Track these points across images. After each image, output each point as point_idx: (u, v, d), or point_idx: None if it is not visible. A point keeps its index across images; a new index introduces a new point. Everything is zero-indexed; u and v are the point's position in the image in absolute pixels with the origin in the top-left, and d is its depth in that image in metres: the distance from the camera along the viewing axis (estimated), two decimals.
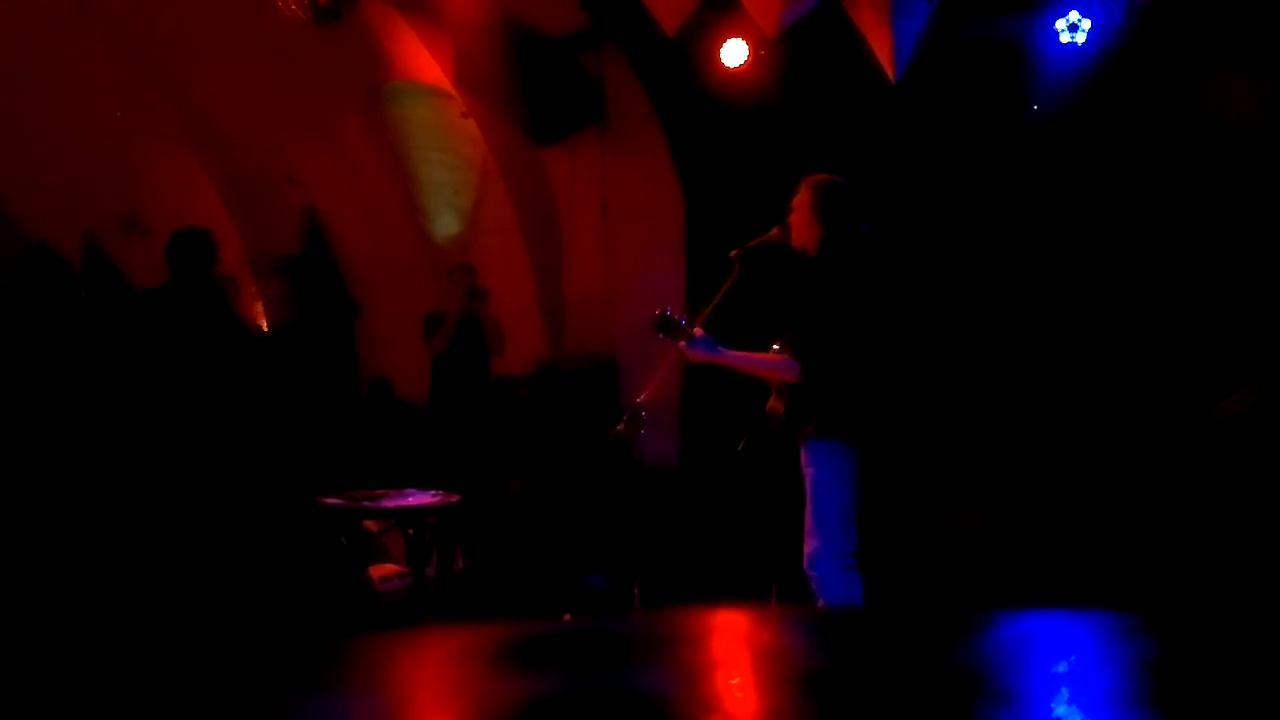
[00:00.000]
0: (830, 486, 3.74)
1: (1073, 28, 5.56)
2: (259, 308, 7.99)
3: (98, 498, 3.94)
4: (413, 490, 5.21)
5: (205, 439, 5.41)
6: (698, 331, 3.88)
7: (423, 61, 7.39)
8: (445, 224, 8.25)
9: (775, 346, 3.94)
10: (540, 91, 6.93)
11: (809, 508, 3.77)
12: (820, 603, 3.73)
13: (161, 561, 4.35)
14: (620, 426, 4.05)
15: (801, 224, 3.90)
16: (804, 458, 3.81)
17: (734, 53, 6.22)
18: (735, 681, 1.30)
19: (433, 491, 5.19)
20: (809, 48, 6.19)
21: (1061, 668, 1.32)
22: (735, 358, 3.90)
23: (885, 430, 3.81)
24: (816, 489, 3.76)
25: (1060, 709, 1.14)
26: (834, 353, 3.77)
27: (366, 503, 5.04)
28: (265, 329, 6.42)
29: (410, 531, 5.11)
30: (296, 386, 6.28)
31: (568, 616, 4.84)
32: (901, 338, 4.02)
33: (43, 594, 3.62)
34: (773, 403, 3.95)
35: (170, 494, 4.76)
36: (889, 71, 5.87)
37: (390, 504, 5.04)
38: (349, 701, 1.21)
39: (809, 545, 3.76)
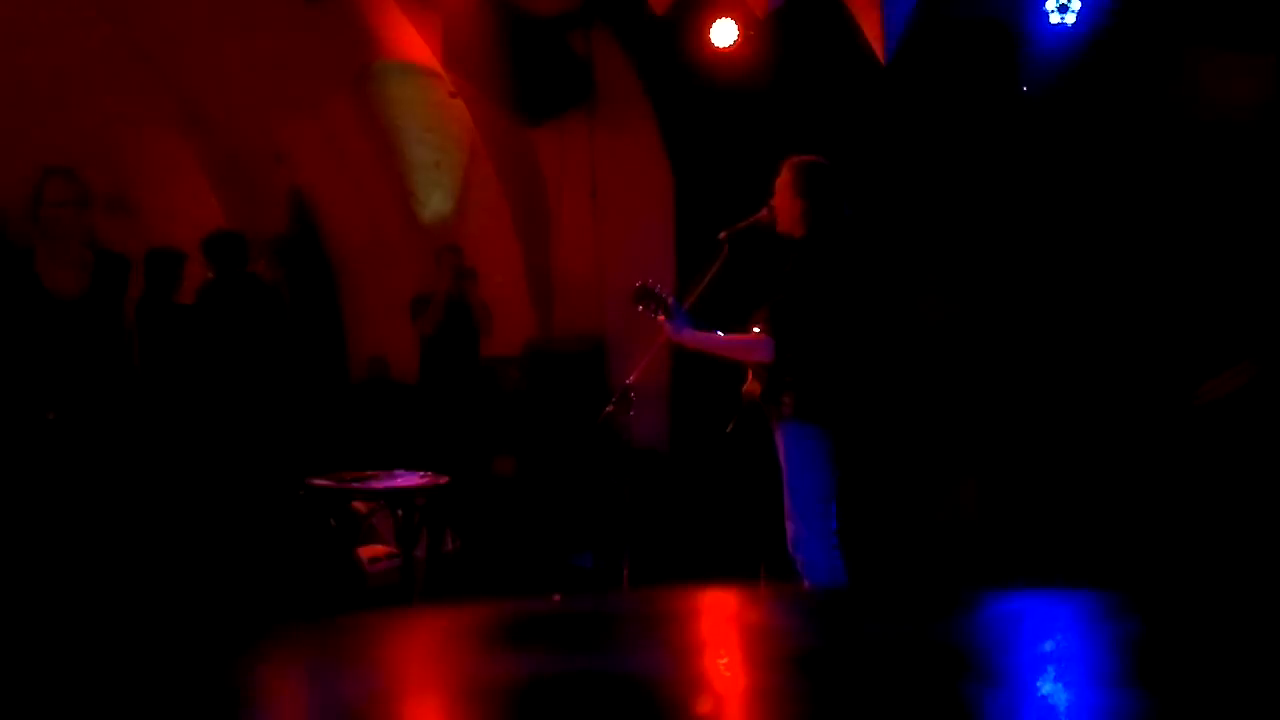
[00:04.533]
0: (805, 468, 3.74)
1: (1063, 8, 5.55)
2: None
3: (87, 480, 3.93)
4: (401, 471, 5.21)
5: (199, 422, 5.43)
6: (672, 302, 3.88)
7: (411, 41, 7.34)
8: (433, 204, 8.22)
9: (756, 330, 3.94)
10: (529, 71, 6.90)
11: (786, 490, 3.78)
12: (806, 584, 3.74)
13: (151, 543, 4.35)
14: (610, 408, 4.06)
15: (784, 205, 3.89)
16: (778, 439, 3.81)
17: (723, 33, 6.20)
18: (724, 661, 1.30)
19: (421, 473, 5.19)
20: (798, 28, 6.17)
21: (1048, 646, 1.33)
22: (708, 340, 3.90)
23: (859, 412, 3.82)
24: (791, 471, 3.76)
25: (1046, 687, 1.15)
26: (809, 333, 3.77)
27: (355, 484, 5.03)
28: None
29: (399, 513, 5.11)
30: (285, 368, 6.28)
31: (557, 597, 4.84)
32: (880, 319, 4.02)
33: (29, 577, 3.62)
34: (749, 385, 3.95)
35: (161, 476, 4.75)
36: (879, 52, 5.85)
37: (379, 485, 5.04)
38: (338, 682, 1.22)
39: (790, 528, 3.77)
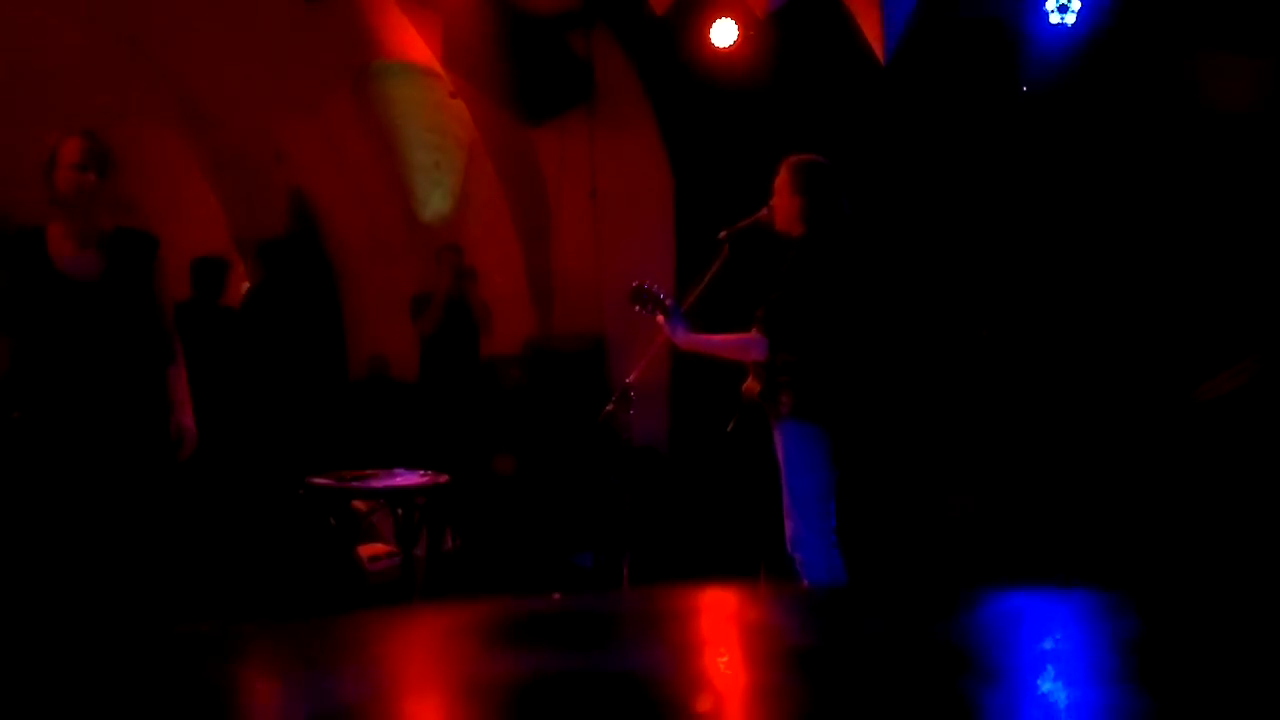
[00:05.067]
0: (803, 468, 3.73)
1: (1062, 8, 5.56)
2: (245, 288, 7.97)
3: (87, 478, 3.92)
4: (401, 470, 5.21)
5: (221, 422, 5.45)
6: (668, 302, 3.89)
7: (411, 41, 7.34)
8: (433, 204, 8.22)
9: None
10: (529, 71, 6.90)
11: (784, 489, 3.78)
12: (805, 583, 3.74)
13: (152, 542, 4.35)
14: (609, 406, 4.06)
15: (783, 204, 3.90)
16: (776, 439, 3.81)
17: (723, 33, 6.20)
18: (724, 659, 1.30)
19: (421, 471, 5.20)
20: (798, 28, 6.18)
21: (1047, 645, 1.34)
22: (702, 341, 3.91)
23: (857, 411, 3.81)
24: (790, 470, 3.76)
25: (1045, 685, 1.15)
26: (806, 331, 3.77)
27: (355, 483, 5.04)
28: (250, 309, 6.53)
29: (399, 511, 5.11)
30: (284, 367, 6.30)
31: (557, 596, 4.85)
32: (879, 318, 4.02)
33: (25, 579, 3.60)
34: (748, 384, 3.96)
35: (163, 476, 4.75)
36: (878, 52, 5.86)
37: (379, 484, 5.05)
38: (339, 680, 1.22)
39: (789, 527, 3.77)
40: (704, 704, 1.10)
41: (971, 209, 5.95)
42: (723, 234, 3.99)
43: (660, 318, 3.89)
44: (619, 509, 5.56)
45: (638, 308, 3.92)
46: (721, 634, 1.43)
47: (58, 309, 3.47)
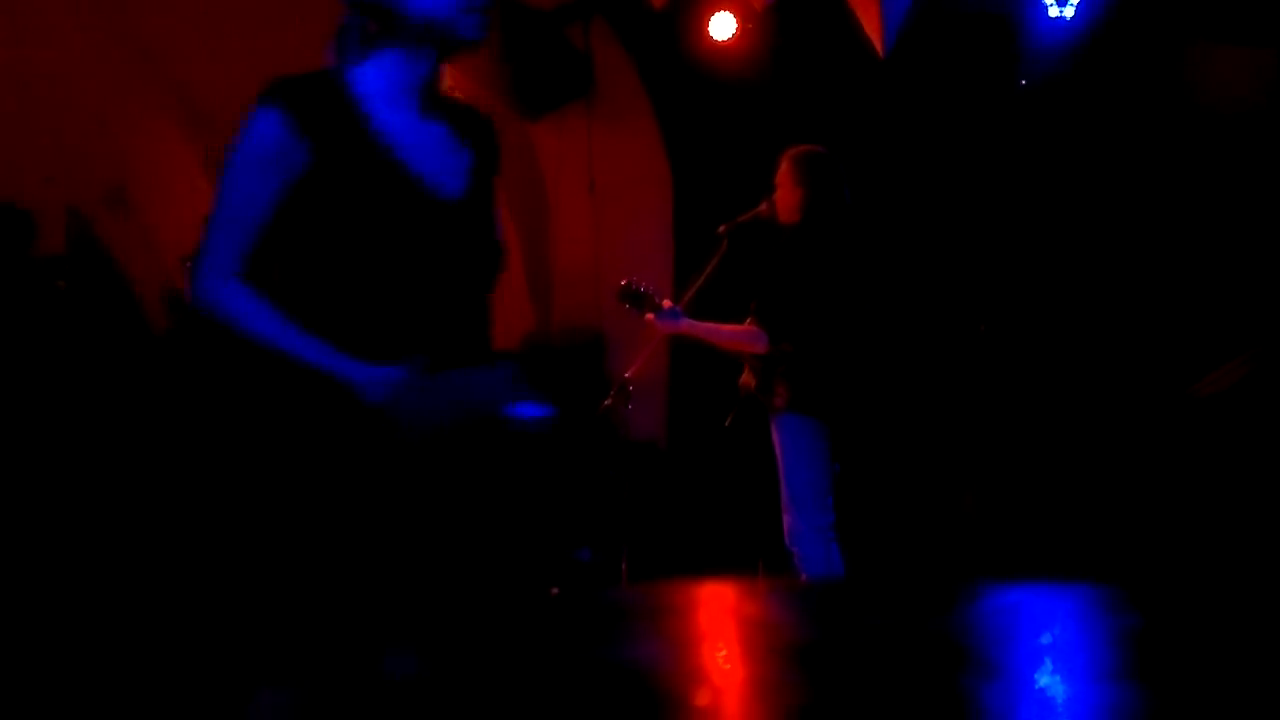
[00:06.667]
0: (800, 461, 3.75)
1: (1061, 1, 5.55)
2: None
3: (86, 486, 3.90)
4: None
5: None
6: (666, 303, 3.90)
7: None
8: None
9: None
10: (526, 65, 6.88)
11: (782, 483, 3.79)
12: (803, 577, 3.75)
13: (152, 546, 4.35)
14: (608, 401, 4.07)
15: (785, 197, 3.90)
16: (773, 432, 3.82)
17: (722, 26, 6.20)
18: (722, 654, 1.30)
19: None
20: (797, 21, 6.17)
21: (1046, 639, 1.33)
22: (701, 329, 3.92)
23: (854, 404, 3.82)
24: (787, 464, 3.77)
25: (1044, 680, 1.15)
26: (801, 322, 3.77)
27: None
28: None
29: None
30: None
31: (555, 590, 4.85)
32: (877, 310, 4.02)
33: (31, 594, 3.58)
34: (745, 377, 3.96)
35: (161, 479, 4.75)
36: (877, 45, 5.85)
37: None
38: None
39: (786, 521, 3.78)
40: (702, 698, 1.10)
41: (969, 203, 5.95)
42: (722, 229, 4.00)
43: (650, 316, 3.90)
44: (617, 504, 5.56)
45: (627, 306, 3.94)
46: (719, 628, 1.43)
47: (397, 222, 2.02)
